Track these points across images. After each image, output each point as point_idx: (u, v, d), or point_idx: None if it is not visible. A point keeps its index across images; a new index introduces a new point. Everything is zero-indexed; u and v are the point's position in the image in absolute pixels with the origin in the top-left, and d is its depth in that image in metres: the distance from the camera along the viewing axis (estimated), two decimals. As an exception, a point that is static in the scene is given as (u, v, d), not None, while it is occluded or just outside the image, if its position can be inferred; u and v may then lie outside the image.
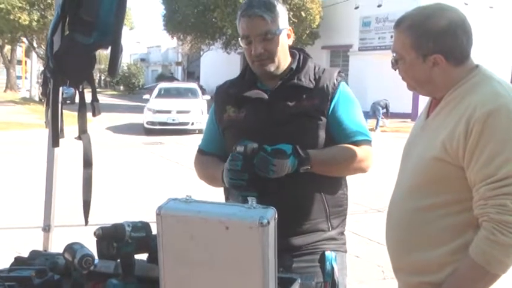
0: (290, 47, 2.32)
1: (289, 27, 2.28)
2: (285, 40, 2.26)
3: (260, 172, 2.02)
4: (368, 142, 2.25)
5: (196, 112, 18.90)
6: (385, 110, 21.14)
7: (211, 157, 2.38)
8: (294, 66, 2.29)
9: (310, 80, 2.25)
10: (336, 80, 2.27)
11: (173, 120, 18.73)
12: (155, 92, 21.41)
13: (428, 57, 1.83)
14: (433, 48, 1.82)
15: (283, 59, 2.27)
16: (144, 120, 19.13)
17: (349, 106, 2.27)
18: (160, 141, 16.18)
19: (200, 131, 17.44)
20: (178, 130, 18.43)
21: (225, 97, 2.36)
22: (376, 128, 20.47)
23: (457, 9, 1.87)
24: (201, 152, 2.45)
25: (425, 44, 1.83)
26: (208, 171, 2.35)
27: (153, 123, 18.83)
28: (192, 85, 23.15)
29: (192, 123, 18.73)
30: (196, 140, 2.60)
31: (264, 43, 2.20)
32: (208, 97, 20.55)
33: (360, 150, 2.21)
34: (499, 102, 1.73)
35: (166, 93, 20.99)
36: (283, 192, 2.11)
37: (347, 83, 2.34)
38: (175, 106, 19.02)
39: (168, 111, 18.80)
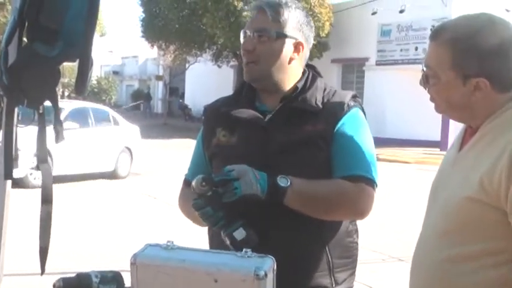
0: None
1: (300, 40, 2.29)
2: (287, 51, 2.27)
3: (226, 197, 2.01)
4: (368, 181, 2.20)
5: None
6: None
7: None
8: (300, 85, 2.30)
9: (316, 103, 2.26)
10: (348, 104, 2.27)
11: None
12: None
13: (470, 80, 1.82)
14: (478, 71, 1.80)
15: (278, 72, 2.27)
16: None
17: (355, 132, 2.25)
18: (135, 172, 16.15)
19: None
20: None
21: (216, 117, 2.37)
22: None
23: (509, 23, 1.86)
24: (187, 183, 2.45)
25: (469, 64, 1.81)
26: (190, 208, 2.34)
27: None
28: None
29: None
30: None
31: (257, 42, 2.24)
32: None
33: (354, 189, 2.17)
34: None
35: None
36: (275, 239, 2.10)
37: (363, 110, 2.33)
38: None
39: None
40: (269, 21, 2.23)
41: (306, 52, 2.33)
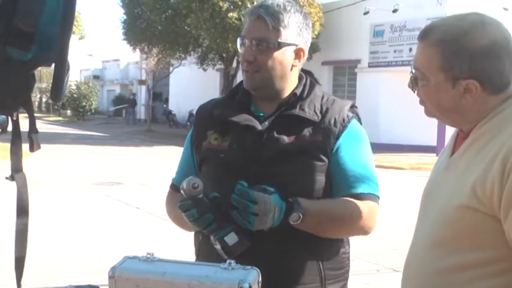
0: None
1: (301, 46, 2.30)
2: (289, 58, 2.28)
3: (240, 219, 2.03)
4: (374, 197, 2.27)
5: None
6: None
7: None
8: (298, 91, 2.32)
9: (315, 111, 2.28)
10: (347, 115, 2.30)
11: None
12: None
13: (459, 82, 1.83)
14: (468, 72, 1.82)
15: (282, 80, 2.29)
16: None
17: (357, 148, 2.29)
18: (117, 181, 16.12)
19: None
20: None
21: (208, 119, 2.38)
22: None
23: (501, 24, 1.88)
24: (174, 187, 2.48)
25: (459, 65, 1.82)
26: (179, 214, 2.36)
27: None
28: None
29: None
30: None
31: (257, 51, 2.23)
32: None
33: (364, 208, 2.22)
34: None
35: None
36: (264, 249, 2.12)
37: (360, 121, 2.37)
38: None
39: None
40: (269, 29, 2.22)
41: (305, 56, 2.34)
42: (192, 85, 38.64)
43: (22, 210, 2.15)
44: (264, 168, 2.19)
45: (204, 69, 33.24)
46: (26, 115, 2.17)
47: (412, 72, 1.93)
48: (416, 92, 1.94)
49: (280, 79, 2.28)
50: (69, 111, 53.93)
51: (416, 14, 24.23)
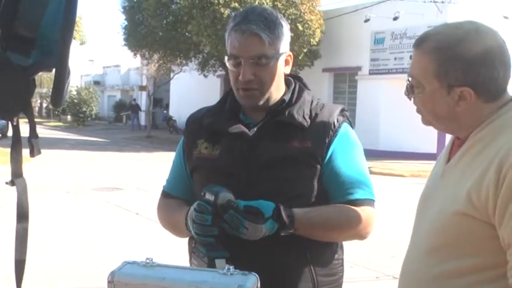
0: (286, 74, 2.35)
1: (289, 52, 2.31)
2: (282, 67, 2.29)
3: (230, 230, 2.04)
4: (370, 202, 2.27)
5: None
6: None
7: (176, 201, 2.42)
8: (286, 97, 2.31)
9: (304, 116, 2.27)
10: (337, 120, 2.29)
11: None
12: None
13: (454, 90, 1.84)
14: (462, 80, 1.83)
15: (276, 90, 2.29)
16: None
17: (350, 153, 2.29)
18: (116, 187, 16.11)
19: None
20: None
21: (198, 128, 2.38)
22: None
23: (496, 32, 1.89)
24: (165, 194, 2.49)
25: (453, 73, 1.83)
26: (172, 218, 2.38)
27: None
28: None
29: None
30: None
31: (256, 68, 2.21)
32: None
33: (361, 214, 2.22)
34: None
35: None
36: (256, 256, 2.11)
37: (351, 125, 2.36)
38: None
39: None
40: (266, 45, 2.19)
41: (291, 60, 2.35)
42: (193, 91, 38.63)
43: (22, 215, 2.15)
44: (254, 175, 2.20)
45: (205, 76, 33.21)
46: (26, 120, 2.18)
47: (408, 80, 1.94)
48: (412, 100, 1.96)
49: (275, 90, 2.28)
50: (69, 117, 53.92)
51: (417, 21, 24.21)
